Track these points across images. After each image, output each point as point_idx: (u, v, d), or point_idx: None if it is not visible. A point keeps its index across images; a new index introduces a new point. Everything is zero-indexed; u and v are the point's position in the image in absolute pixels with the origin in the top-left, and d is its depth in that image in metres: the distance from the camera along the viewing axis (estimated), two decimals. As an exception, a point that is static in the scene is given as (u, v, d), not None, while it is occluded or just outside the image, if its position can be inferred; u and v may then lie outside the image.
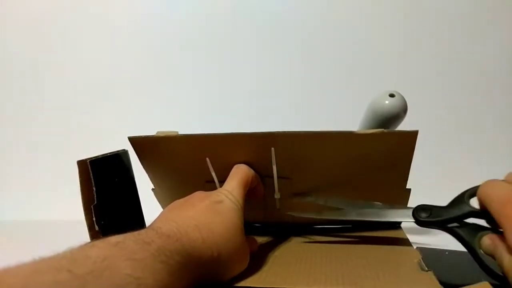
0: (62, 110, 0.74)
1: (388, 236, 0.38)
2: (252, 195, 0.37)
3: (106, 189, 0.37)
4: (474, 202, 0.30)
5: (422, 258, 0.32)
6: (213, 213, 0.30)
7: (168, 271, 0.23)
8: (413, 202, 0.37)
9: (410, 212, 0.33)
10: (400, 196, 0.38)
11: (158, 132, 0.37)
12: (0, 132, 0.75)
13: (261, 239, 0.40)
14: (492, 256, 0.27)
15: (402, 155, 0.34)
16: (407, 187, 0.38)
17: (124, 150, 0.41)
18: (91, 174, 0.35)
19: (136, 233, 0.24)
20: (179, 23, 0.70)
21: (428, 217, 0.32)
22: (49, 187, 0.69)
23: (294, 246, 0.38)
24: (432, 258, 0.32)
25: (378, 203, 0.35)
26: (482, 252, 0.28)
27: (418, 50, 0.65)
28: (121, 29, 0.72)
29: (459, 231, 0.30)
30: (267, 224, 0.45)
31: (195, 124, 0.69)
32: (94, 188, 0.35)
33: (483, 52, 0.64)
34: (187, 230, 0.27)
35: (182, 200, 0.33)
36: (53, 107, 0.74)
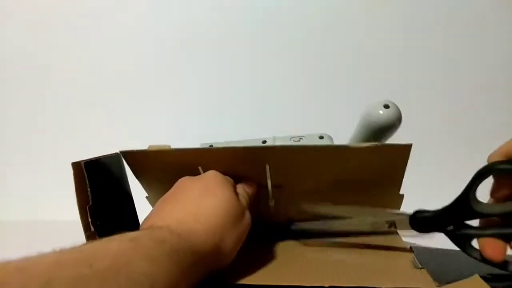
0: (62, 110, 0.74)
1: (381, 236, 0.38)
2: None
3: (100, 190, 0.37)
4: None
5: (415, 257, 0.32)
6: (205, 197, 0.31)
7: (181, 270, 0.23)
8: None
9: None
10: (394, 202, 0.38)
11: (150, 146, 0.37)
12: (0, 132, 0.75)
13: (256, 242, 0.40)
14: None
15: (396, 167, 0.34)
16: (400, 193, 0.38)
17: (117, 153, 0.41)
18: (85, 176, 0.35)
19: (149, 230, 0.25)
20: (178, 24, 0.71)
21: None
22: (49, 187, 0.69)
23: (291, 248, 0.38)
24: (425, 257, 0.32)
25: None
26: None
27: (417, 54, 0.66)
28: (121, 29, 0.72)
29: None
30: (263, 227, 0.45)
31: (195, 125, 0.70)
32: (88, 190, 0.35)
33: (482, 56, 0.65)
34: (190, 227, 0.27)
35: (171, 192, 0.33)
36: (53, 107, 0.74)
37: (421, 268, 0.30)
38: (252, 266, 0.32)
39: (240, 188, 0.35)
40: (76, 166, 0.35)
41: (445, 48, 0.66)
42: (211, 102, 0.71)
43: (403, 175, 0.35)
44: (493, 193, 0.29)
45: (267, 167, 0.35)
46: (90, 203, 0.35)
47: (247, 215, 0.32)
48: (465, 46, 0.65)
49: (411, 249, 0.35)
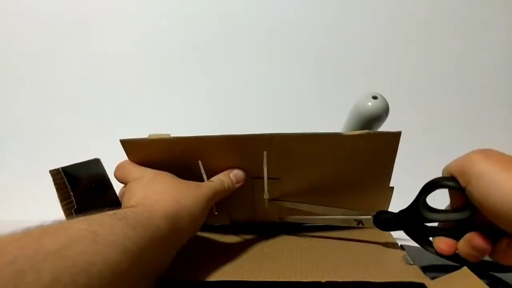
0: (62, 111, 0.73)
1: (374, 234, 0.39)
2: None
3: (83, 194, 0.36)
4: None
5: (406, 254, 0.33)
6: (153, 181, 0.33)
7: (127, 224, 0.24)
8: (398, 202, 0.39)
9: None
10: (384, 193, 0.40)
11: (150, 135, 0.36)
12: (1, 132, 0.73)
13: (251, 237, 0.40)
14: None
15: (386, 155, 0.36)
16: (390, 186, 0.39)
17: (96, 158, 0.40)
18: (65, 180, 0.34)
19: None
20: (178, 21, 0.71)
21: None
22: (50, 186, 0.65)
23: (284, 244, 0.38)
24: (415, 254, 0.33)
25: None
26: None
27: (412, 54, 0.69)
28: (121, 30, 0.72)
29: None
30: (256, 223, 0.45)
31: (196, 122, 0.70)
32: (71, 193, 0.34)
33: (477, 53, 0.68)
34: (138, 202, 0.29)
35: None
36: (53, 108, 0.73)
37: (412, 264, 0.31)
38: (246, 262, 0.32)
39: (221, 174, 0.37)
40: (54, 173, 0.35)
41: (441, 46, 0.68)
42: (211, 100, 0.72)
43: (393, 164, 0.36)
44: (450, 203, 0.33)
45: (265, 154, 0.35)
46: (75, 207, 0.34)
47: (208, 186, 0.34)
48: (458, 42, 0.68)
49: (402, 247, 0.36)
